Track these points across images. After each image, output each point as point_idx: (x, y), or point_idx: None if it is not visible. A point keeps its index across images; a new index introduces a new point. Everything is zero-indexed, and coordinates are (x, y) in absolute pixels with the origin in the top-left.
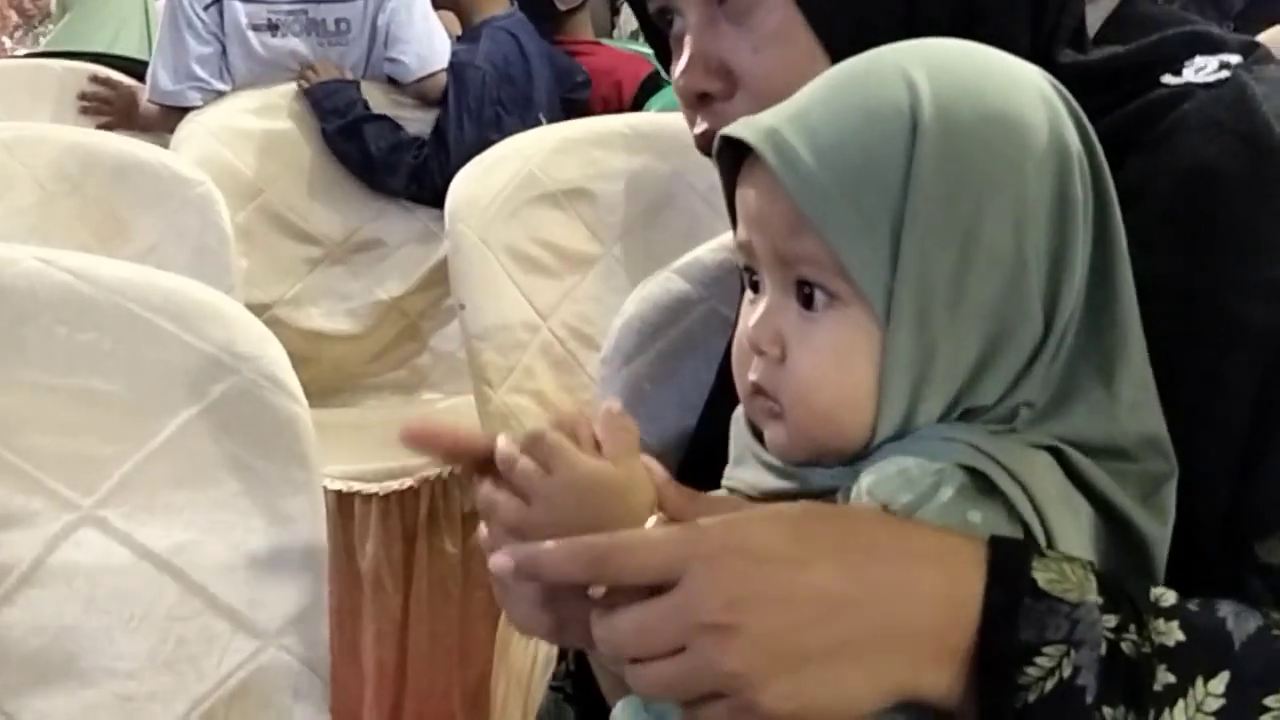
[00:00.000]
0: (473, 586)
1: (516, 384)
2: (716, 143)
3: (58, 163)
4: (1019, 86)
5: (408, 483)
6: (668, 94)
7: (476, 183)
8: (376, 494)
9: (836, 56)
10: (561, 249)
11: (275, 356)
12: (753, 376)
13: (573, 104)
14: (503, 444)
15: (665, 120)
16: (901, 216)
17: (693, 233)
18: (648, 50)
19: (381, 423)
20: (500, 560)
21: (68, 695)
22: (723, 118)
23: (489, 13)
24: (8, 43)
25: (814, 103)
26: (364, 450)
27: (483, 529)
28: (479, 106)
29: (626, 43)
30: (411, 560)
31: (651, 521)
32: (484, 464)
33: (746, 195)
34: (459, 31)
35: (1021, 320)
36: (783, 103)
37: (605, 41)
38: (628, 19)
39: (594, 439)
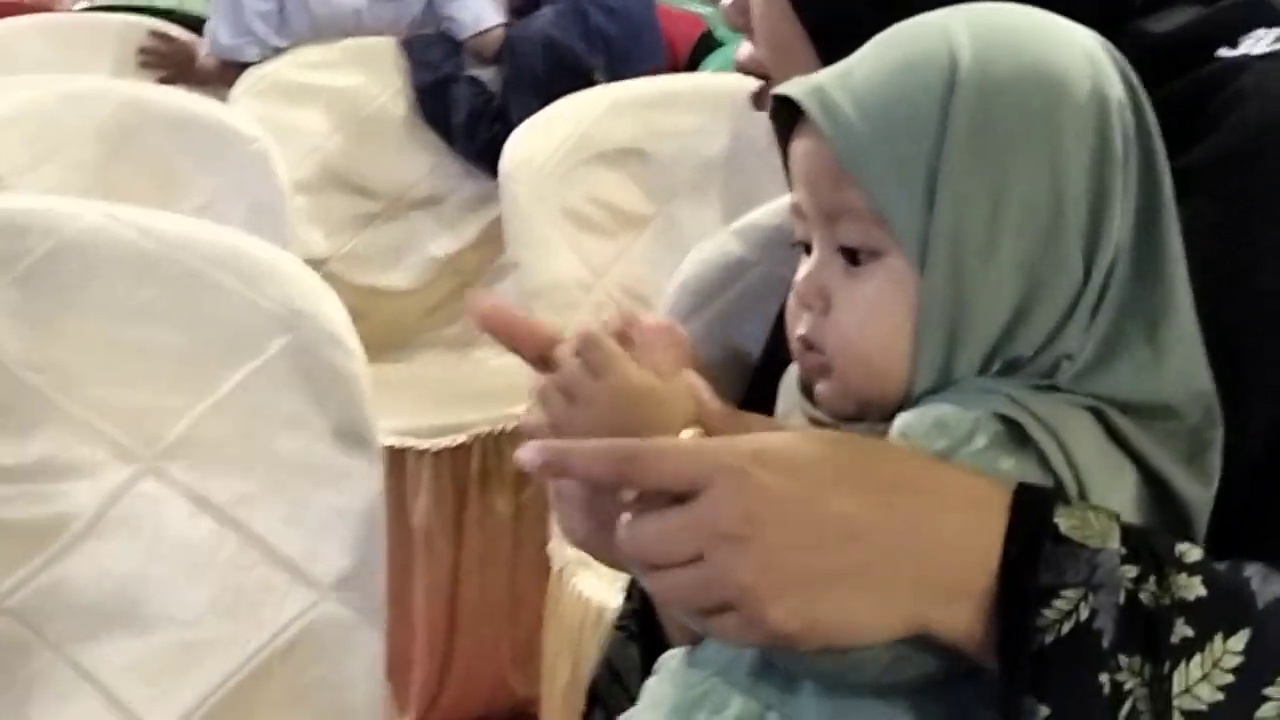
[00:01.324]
0: (523, 544)
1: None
2: (771, 104)
3: (116, 117)
4: (1060, 41)
5: (460, 439)
6: (723, 54)
7: (531, 142)
8: (429, 450)
9: (814, 33)
10: (615, 208)
11: (333, 314)
12: (801, 330)
13: None
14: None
15: (721, 80)
16: (937, 164)
17: (749, 192)
18: (703, 9)
19: (435, 379)
20: (528, 454)
21: (130, 642)
22: (747, 53)
23: None
24: None
25: (860, 61)
26: (418, 406)
27: (527, 415)
28: (532, 77)
29: (682, 0)
30: (463, 516)
31: (688, 435)
32: (546, 356)
33: (796, 152)
34: None
35: (1058, 269)
36: (834, 64)
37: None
38: None
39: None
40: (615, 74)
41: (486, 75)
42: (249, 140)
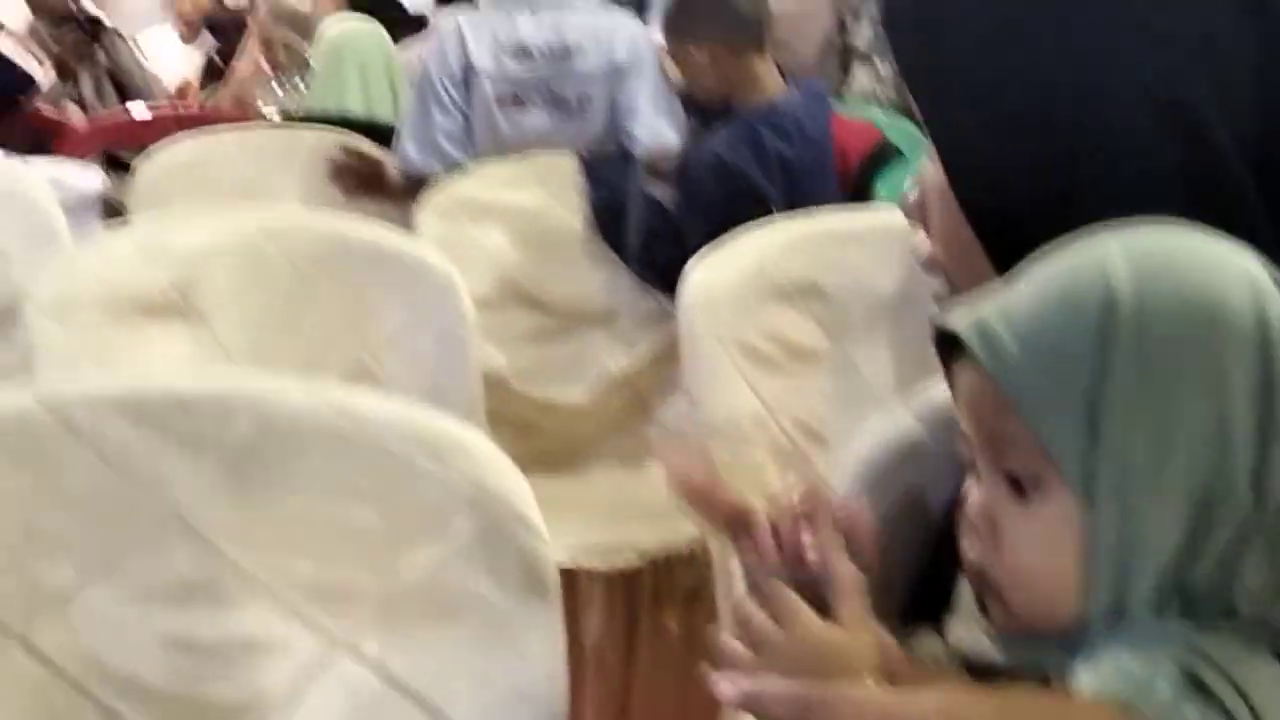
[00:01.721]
0: (694, 665)
1: (745, 480)
2: (934, 334)
3: (313, 249)
4: (1220, 267)
5: (633, 561)
6: (898, 172)
7: (710, 274)
8: (602, 571)
9: (985, 240)
10: (792, 345)
11: (522, 494)
12: (972, 555)
13: None
14: (741, 600)
15: (899, 215)
16: (1099, 397)
17: (923, 329)
18: (880, 116)
19: (607, 495)
20: (726, 690)
21: None
22: (926, 249)
23: (759, 96)
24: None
25: (1021, 291)
26: (590, 523)
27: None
28: (705, 200)
29: (856, 106)
30: (634, 636)
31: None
32: (738, 527)
33: (960, 381)
34: None
35: (1227, 499)
36: (994, 293)
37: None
38: (856, 78)
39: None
40: (791, 200)
41: (663, 194)
42: (437, 272)
